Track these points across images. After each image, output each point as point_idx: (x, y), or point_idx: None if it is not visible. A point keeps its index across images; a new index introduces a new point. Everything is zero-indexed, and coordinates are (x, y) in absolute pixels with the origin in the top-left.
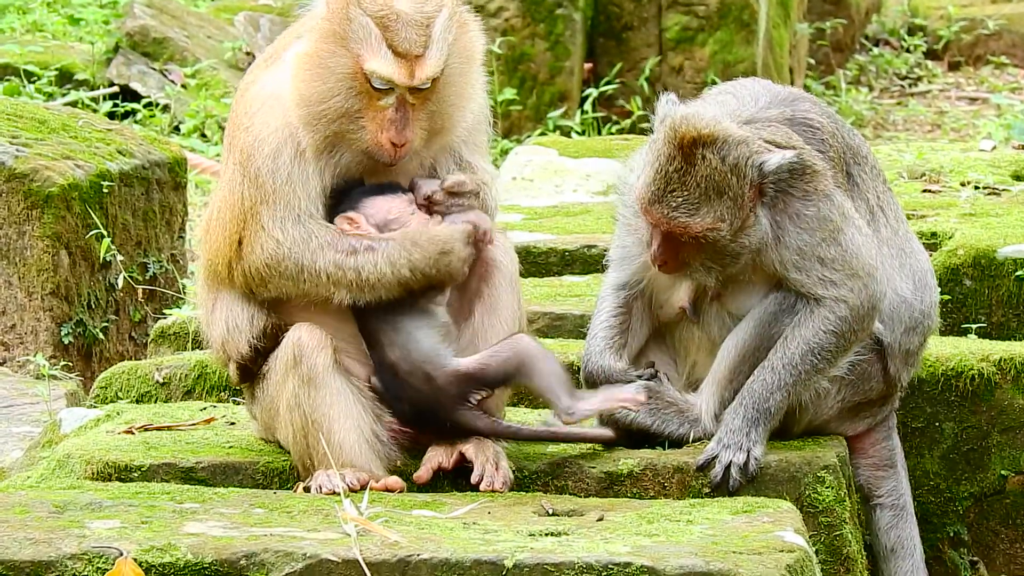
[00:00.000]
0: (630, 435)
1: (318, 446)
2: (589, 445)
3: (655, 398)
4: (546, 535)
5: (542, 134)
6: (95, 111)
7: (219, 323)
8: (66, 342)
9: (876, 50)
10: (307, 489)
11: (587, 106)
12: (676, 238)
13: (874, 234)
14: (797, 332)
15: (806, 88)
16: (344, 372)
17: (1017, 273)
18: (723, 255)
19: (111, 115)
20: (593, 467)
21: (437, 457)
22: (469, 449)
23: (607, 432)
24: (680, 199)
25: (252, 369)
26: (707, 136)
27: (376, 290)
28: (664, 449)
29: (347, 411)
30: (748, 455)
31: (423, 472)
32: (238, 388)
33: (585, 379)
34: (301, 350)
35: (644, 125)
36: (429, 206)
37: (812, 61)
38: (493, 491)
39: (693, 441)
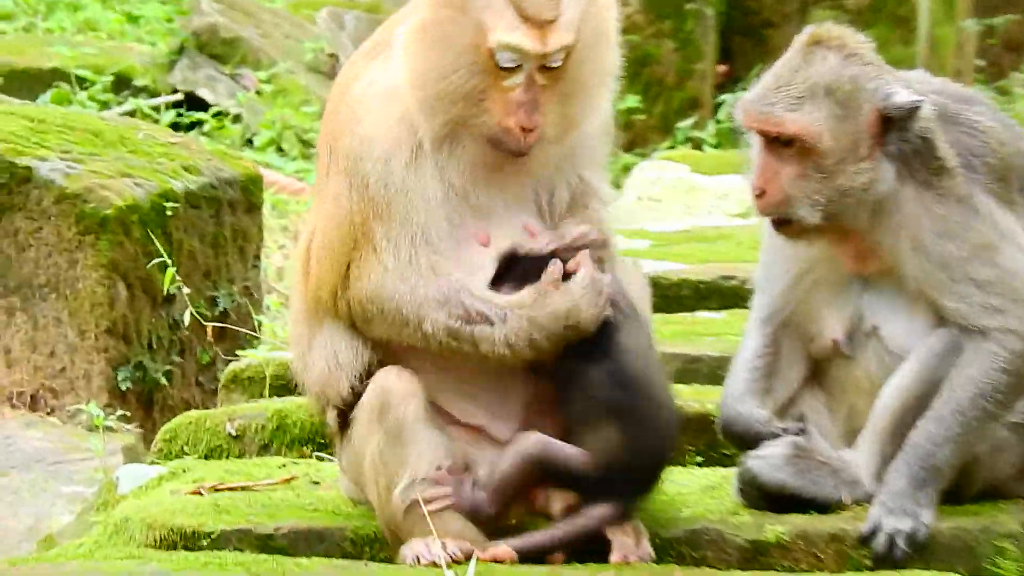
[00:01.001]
0: (776, 500)
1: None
2: (731, 507)
3: (804, 457)
4: None
5: (671, 147)
6: (156, 122)
7: (319, 361)
8: (123, 388)
9: None
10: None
11: (722, 114)
12: (777, 155)
13: None
14: (963, 373)
15: None
16: (439, 424)
17: None
18: (827, 185)
19: (175, 126)
20: (735, 535)
21: None
22: None
23: None
24: (782, 94)
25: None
26: (835, 39)
27: (495, 363)
28: (816, 514)
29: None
30: (916, 521)
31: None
32: (323, 441)
33: (722, 428)
34: (387, 398)
35: None
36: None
37: (981, 63)
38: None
39: (851, 505)
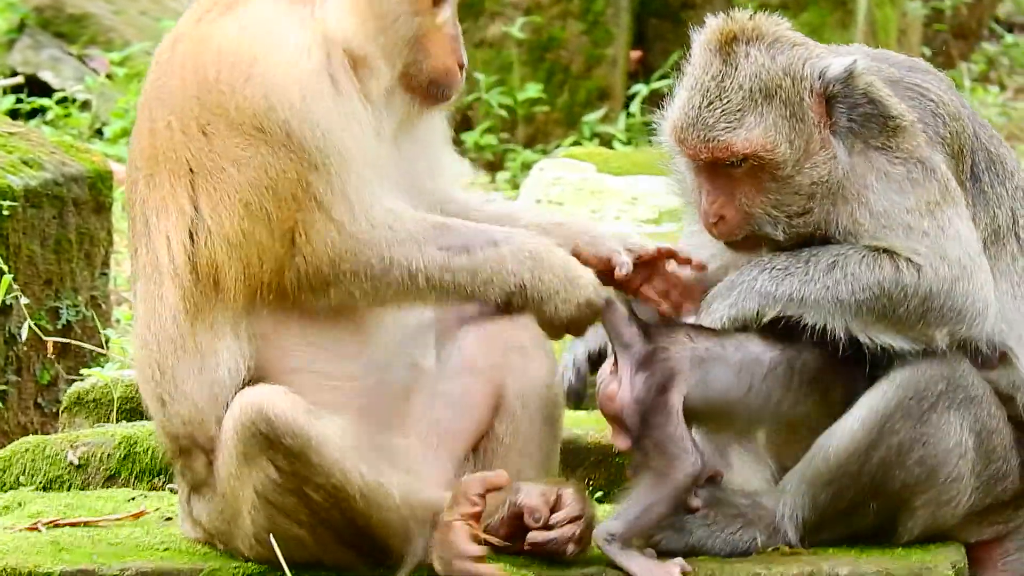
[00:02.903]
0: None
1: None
2: None
3: (716, 509)
4: None
5: (576, 143)
6: None
7: (192, 389)
8: None
9: (1010, 37)
10: None
11: (635, 107)
12: (725, 176)
13: (992, 261)
14: (843, 257)
15: None
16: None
17: None
18: (789, 193)
19: (13, 114)
20: None
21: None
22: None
23: None
24: (719, 112)
25: None
26: (751, 31)
27: (480, 300)
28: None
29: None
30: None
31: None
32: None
33: None
34: (272, 415)
35: None
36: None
37: (927, 51)
38: None
39: (766, 549)
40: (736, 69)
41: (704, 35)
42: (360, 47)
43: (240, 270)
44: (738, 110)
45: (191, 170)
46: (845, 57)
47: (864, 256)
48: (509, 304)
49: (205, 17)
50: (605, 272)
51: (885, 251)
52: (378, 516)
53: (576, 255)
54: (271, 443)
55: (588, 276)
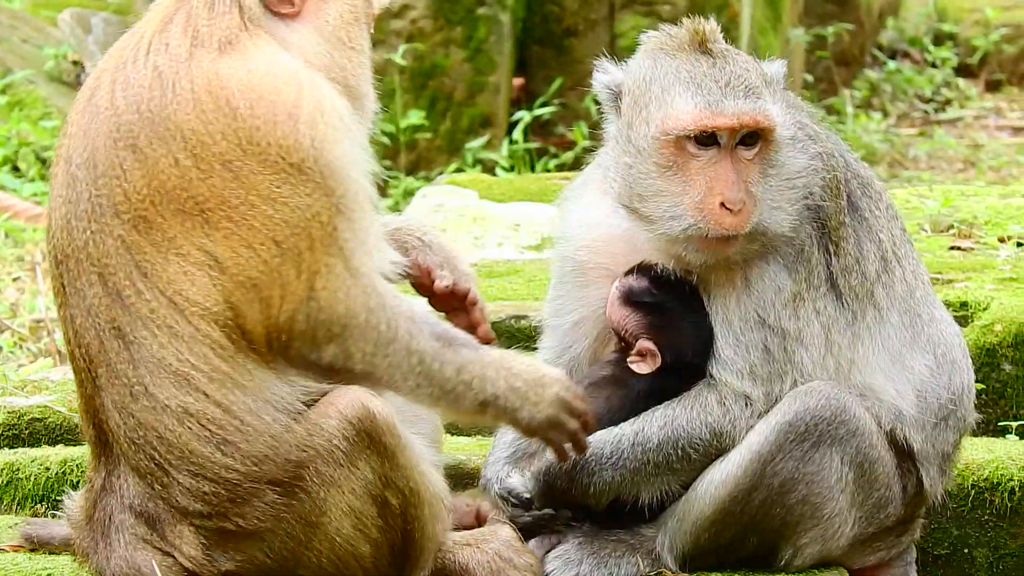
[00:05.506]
0: None
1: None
2: None
3: (598, 538)
4: None
5: (458, 170)
6: None
7: (259, 422)
8: None
9: (892, 64)
10: None
11: (517, 134)
12: (739, 161)
13: (884, 292)
14: (669, 412)
15: None
16: None
17: None
18: (783, 179)
19: None
20: None
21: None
22: None
23: None
24: (742, 89)
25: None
26: (714, 32)
27: (451, 402)
28: None
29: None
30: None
31: None
32: (60, 498)
33: (483, 487)
34: (374, 411)
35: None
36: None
37: (810, 77)
38: None
39: (649, 575)
40: (727, 58)
41: (666, 41)
42: (356, 88)
43: (260, 311)
44: (756, 87)
45: (203, 210)
46: (778, 64)
47: (685, 406)
48: (480, 414)
49: (199, 55)
50: (425, 282)
51: (708, 384)
52: (432, 529)
53: (403, 252)
54: (371, 441)
55: (552, 374)
